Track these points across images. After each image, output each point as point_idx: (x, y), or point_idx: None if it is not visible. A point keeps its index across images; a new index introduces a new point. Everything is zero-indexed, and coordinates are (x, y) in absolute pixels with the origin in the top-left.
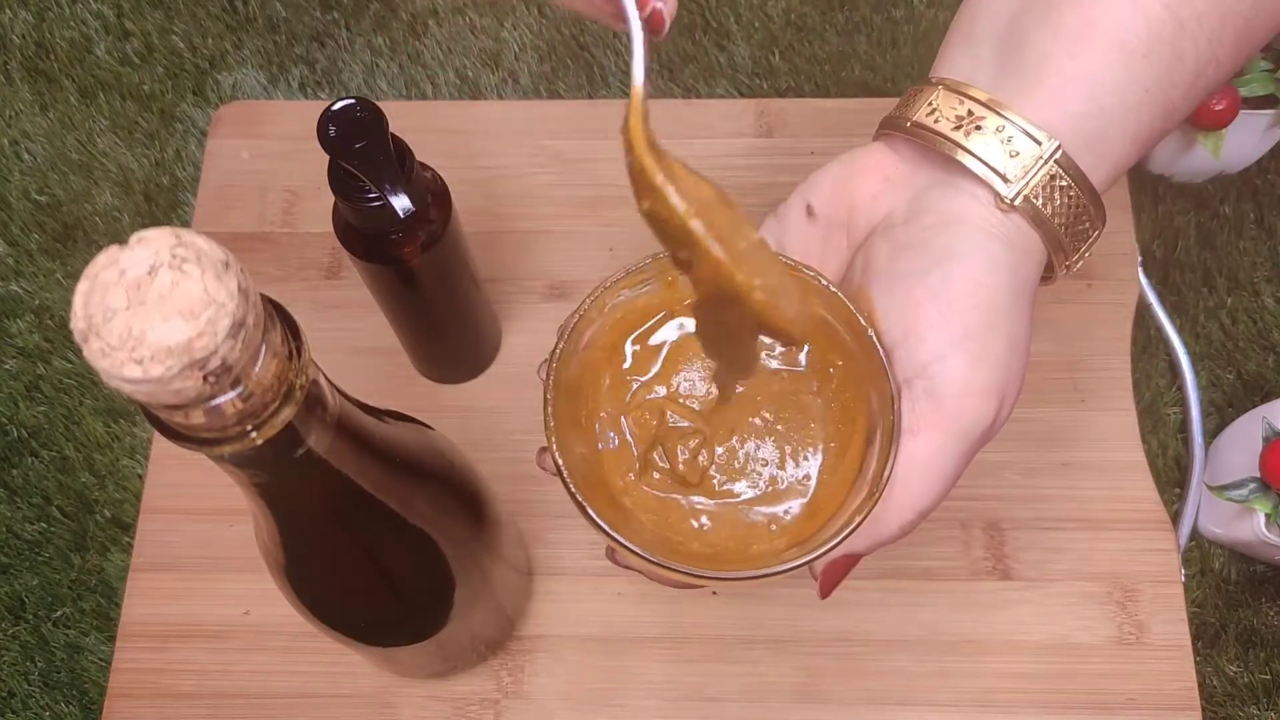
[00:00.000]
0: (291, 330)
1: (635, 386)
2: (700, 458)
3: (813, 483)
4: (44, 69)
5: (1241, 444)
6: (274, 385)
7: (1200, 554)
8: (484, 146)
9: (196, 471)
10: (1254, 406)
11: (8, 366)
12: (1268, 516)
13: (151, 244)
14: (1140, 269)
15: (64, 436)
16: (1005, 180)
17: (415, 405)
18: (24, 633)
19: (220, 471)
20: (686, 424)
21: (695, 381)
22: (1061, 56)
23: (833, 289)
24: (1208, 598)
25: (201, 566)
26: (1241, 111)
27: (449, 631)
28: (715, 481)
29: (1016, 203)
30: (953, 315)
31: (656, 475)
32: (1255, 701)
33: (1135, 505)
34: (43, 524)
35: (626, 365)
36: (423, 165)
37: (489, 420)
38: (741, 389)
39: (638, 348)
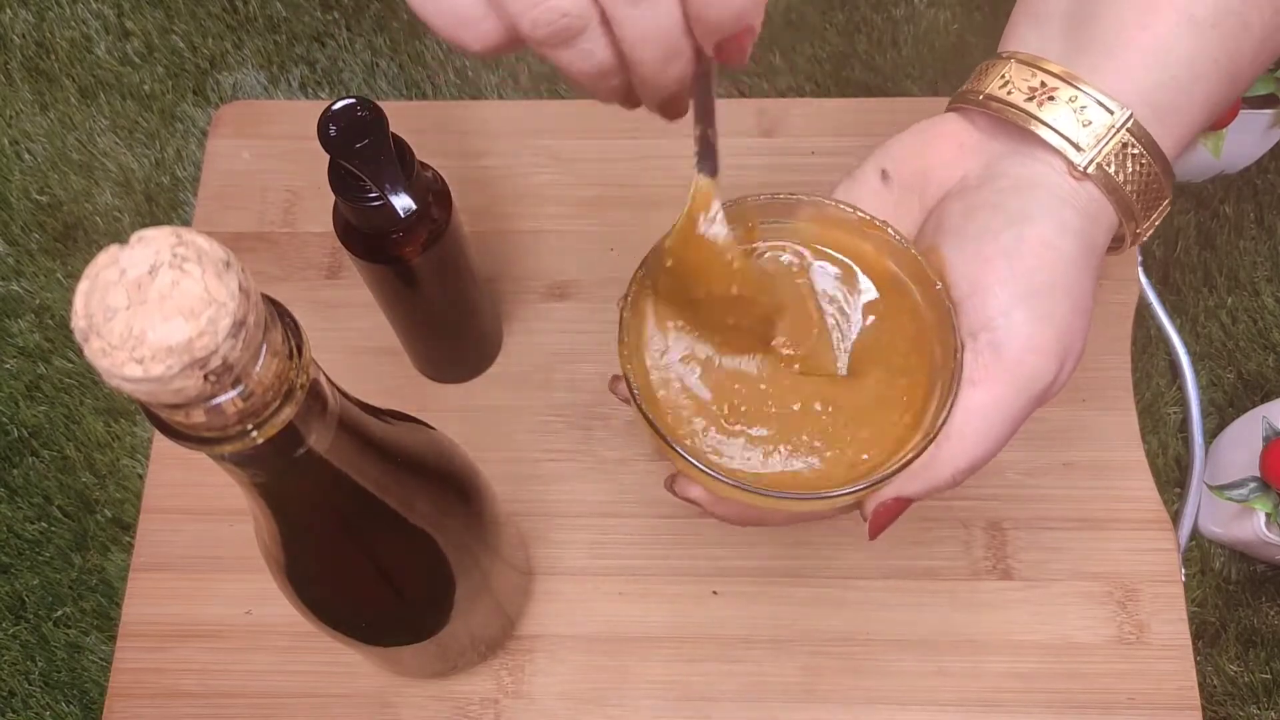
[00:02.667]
0: (292, 330)
1: (703, 323)
2: (767, 398)
3: (873, 425)
4: (44, 69)
5: (1241, 444)
6: (274, 385)
7: (1200, 554)
8: (484, 146)
9: (197, 471)
10: (1254, 406)
11: (8, 366)
12: (1268, 516)
13: (152, 243)
14: (1140, 269)
15: (64, 436)
16: (1078, 149)
17: (415, 405)
18: (24, 632)
19: (220, 471)
20: (756, 359)
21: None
22: (1132, 29)
23: (905, 243)
24: (1208, 597)
25: (201, 566)
26: (1241, 111)
27: (449, 631)
28: (779, 418)
29: (1089, 170)
30: (1022, 273)
31: (725, 409)
32: (1255, 701)
33: (1135, 505)
34: (43, 523)
35: (700, 300)
36: (423, 165)
37: (489, 420)
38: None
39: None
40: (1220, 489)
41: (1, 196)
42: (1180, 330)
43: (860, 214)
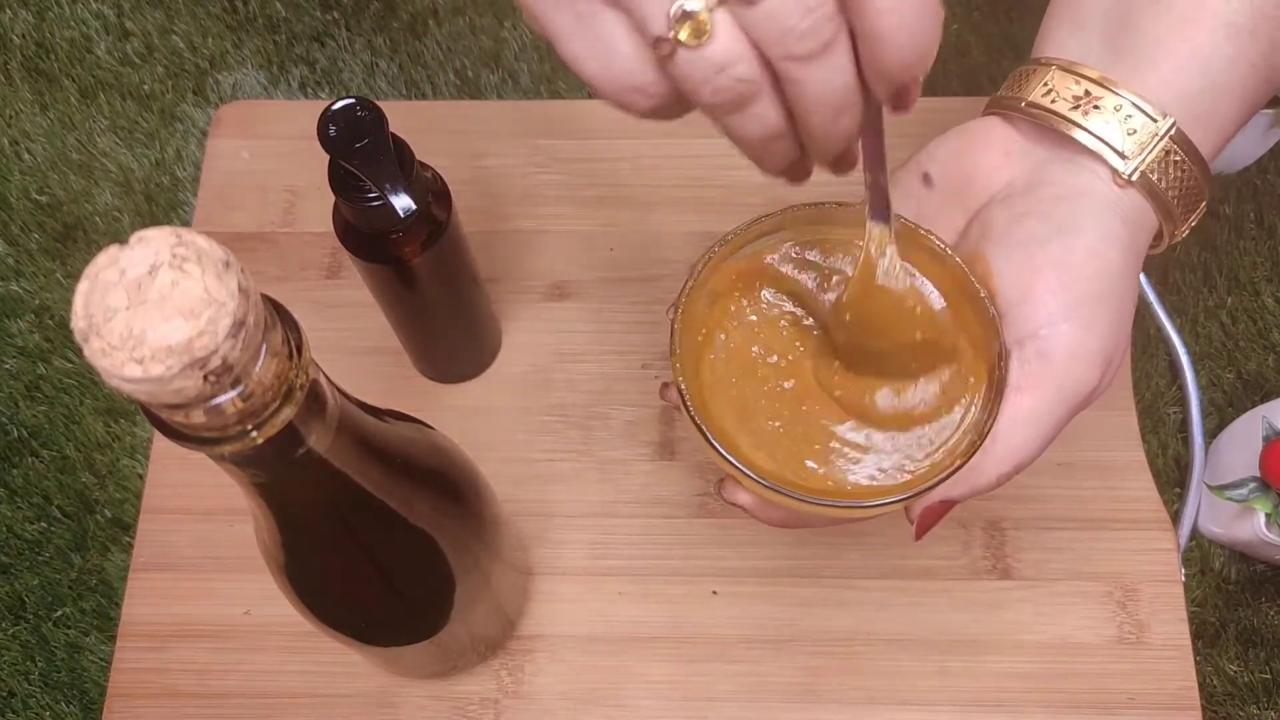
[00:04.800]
0: (292, 330)
1: (756, 334)
2: (815, 409)
3: (918, 432)
4: (44, 69)
5: (1241, 444)
6: (274, 385)
7: (1200, 554)
8: (484, 146)
9: (197, 471)
10: (1254, 406)
11: (8, 366)
12: (1268, 516)
13: (152, 243)
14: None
15: (64, 436)
16: (1123, 157)
17: (415, 405)
18: (24, 632)
19: (220, 471)
20: (792, 367)
21: (814, 330)
22: (1173, 38)
23: (949, 251)
24: (1208, 597)
25: (201, 566)
26: None
27: (449, 631)
28: (824, 425)
29: (1134, 179)
30: (1070, 282)
31: (774, 423)
32: (1255, 701)
33: (1135, 505)
34: (43, 524)
35: (751, 309)
36: (423, 165)
37: (489, 420)
38: (860, 346)
39: (766, 292)
40: (1220, 489)
41: (1, 196)
42: (1180, 330)
43: (905, 221)
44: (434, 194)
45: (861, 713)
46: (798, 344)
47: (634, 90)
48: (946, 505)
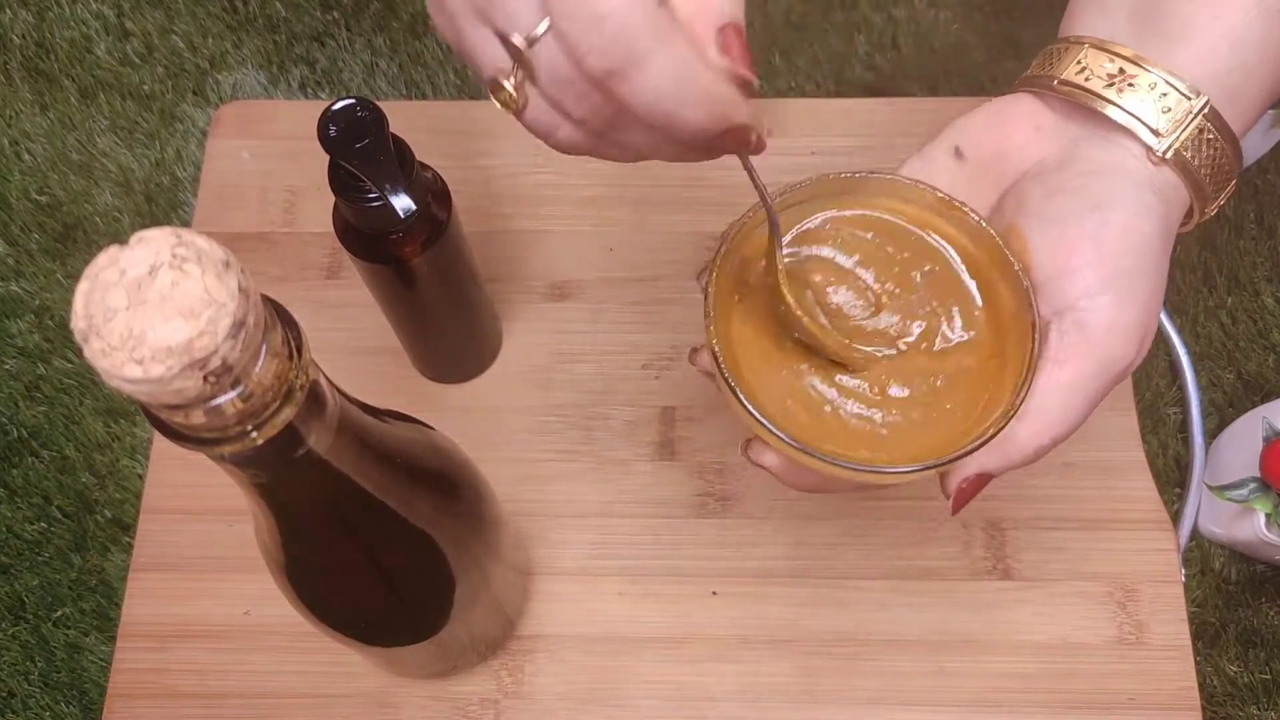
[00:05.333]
0: (292, 330)
1: (786, 305)
2: (841, 375)
3: (950, 403)
4: (44, 69)
5: (1241, 444)
6: (274, 385)
7: (1200, 554)
8: (484, 146)
9: (197, 471)
10: (1254, 406)
11: (8, 366)
12: (1268, 516)
13: (152, 244)
14: None
15: (64, 436)
16: (1157, 134)
17: (415, 405)
18: (24, 633)
19: (220, 471)
20: (828, 339)
21: (847, 299)
22: (1205, 17)
23: (984, 224)
24: (1208, 598)
25: (201, 566)
26: None
27: (449, 631)
28: (857, 395)
29: (1168, 156)
30: (1107, 256)
31: (810, 390)
32: (1255, 701)
33: (1135, 505)
34: (43, 524)
35: (782, 276)
36: (423, 165)
37: (489, 420)
38: (891, 317)
39: (793, 257)
40: (1220, 489)
41: (1, 196)
42: (1180, 330)
43: (939, 193)
44: (434, 194)
45: (861, 713)
46: (824, 312)
47: (543, 135)
48: (983, 479)
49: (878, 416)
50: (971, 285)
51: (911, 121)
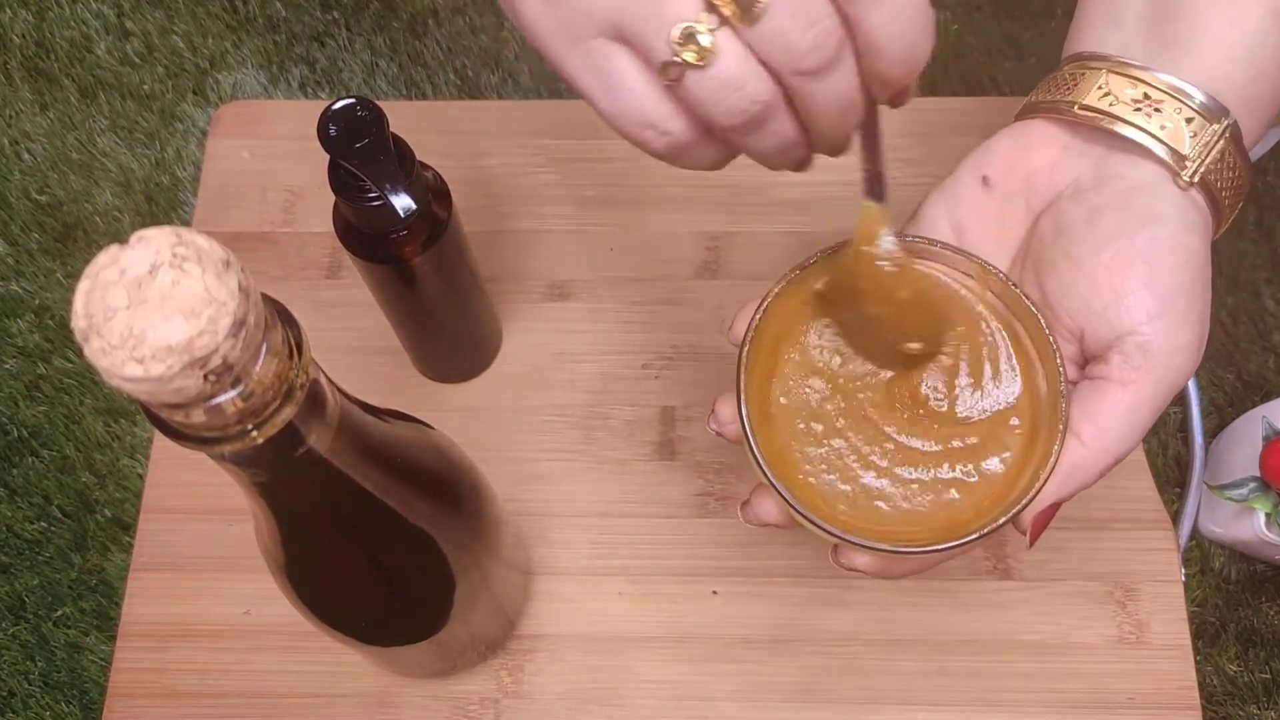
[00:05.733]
0: (292, 329)
1: (818, 373)
2: (875, 440)
3: (984, 462)
4: (44, 69)
5: (1241, 444)
6: (274, 384)
7: (1200, 553)
8: (484, 146)
9: (197, 471)
10: (1254, 406)
11: (8, 366)
12: (1268, 516)
13: (152, 243)
14: None
15: (64, 436)
16: (1183, 159)
17: (415, 405)
18: (24, 632)
19: (221, 471)
20: (864, 403)
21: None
22: (1219, 26)
23: (1005, 278)
24: (1208, 597)
25: (201, 566)
26: None
27: (449, 631)
28: (893, 460)
29: (1194, 180)
30: (1162, 275)
31: (848, 459)
32: (1255, 700)
33: (1135, 505)
34: (43, 523)
35: (811, 348)
36: (423, 165)
37: (489, 420)
38: (911, 373)
39: (818, 334)
40: (1220, 489)
41: (1, 196)
42: None
43: (954, 249)
44: (434, 194)
45: (861, 713)
46: (859, 393)
47: (646, 126)
48: (1055, 507)
49: (926, 484)
50: (1001, 343)
51: (911, 121)
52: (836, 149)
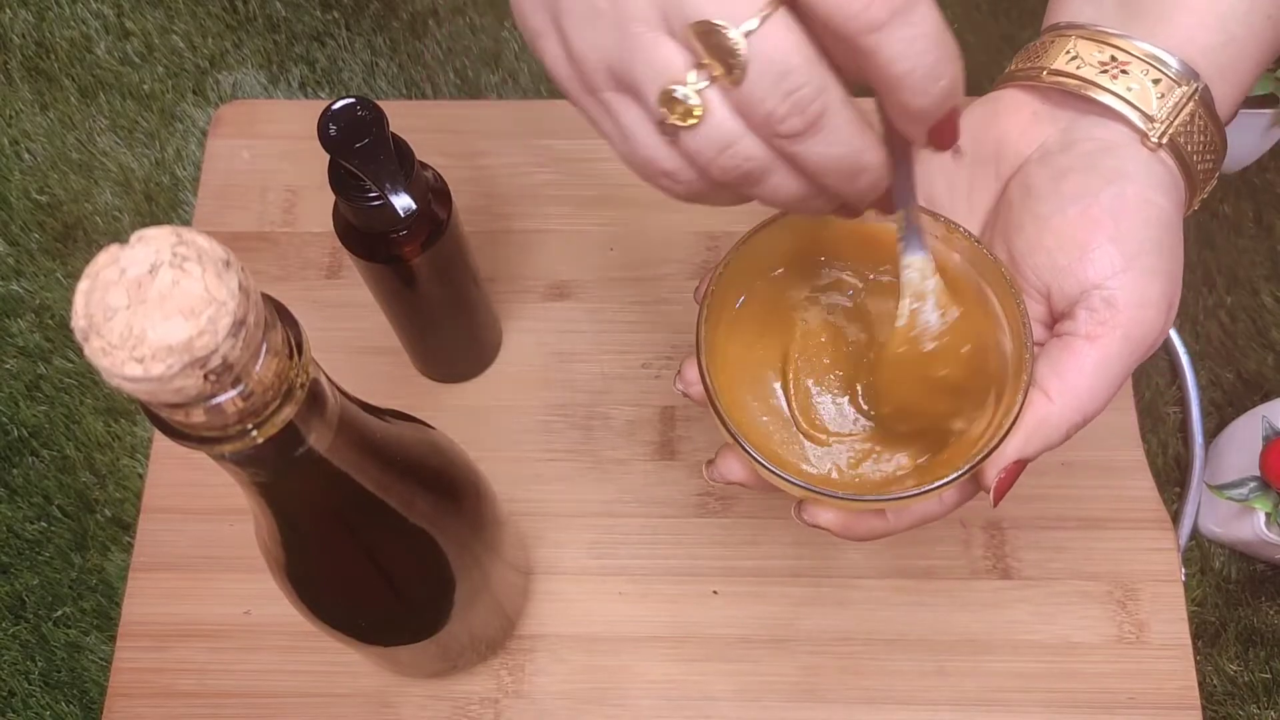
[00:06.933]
0: (292, 329)
1: (783, 320)
2: (836, 394)
3: (953, 416)
4: (44, 69)
5: (1241, 443)
6: (275, 384)
7: (1200, 553)
8: (484, 146)
9: (197, 471)
10: (1254, 406)
11: (8, 366)
12: (1268, 515)
13: (152, 242)
14: None
15: (64, 436)
16: (1151, 120)
17: (415, 405)
18: (24, 632)
19: (221, 471)
20: (827, 359)
21: (839, 317)
22: None
23: (970, 235)
24: (1208, 597)
25: (201, 566)
26: (1241, 111)
27: (449, 631)
28: (857, 411)
29: (1163, 141)
30: (1129, 230)
31: (814, 410)
32: (1255, 700)
33: (1135, 505)
34: (43, 523)
35: (777, 307)
36: (423, 165)
37: (489, 420)
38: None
39: (786, 287)
40: (1220, 489)
41: (1, 196)
42: (1180, 330)
43: (931, 213)
44: (434, 194)
45: (861, 713)
46: (827, 357)
47: (662, 175)
48: (1021, 465)
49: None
50: (982, 348)
51: None
52: (854, 209)
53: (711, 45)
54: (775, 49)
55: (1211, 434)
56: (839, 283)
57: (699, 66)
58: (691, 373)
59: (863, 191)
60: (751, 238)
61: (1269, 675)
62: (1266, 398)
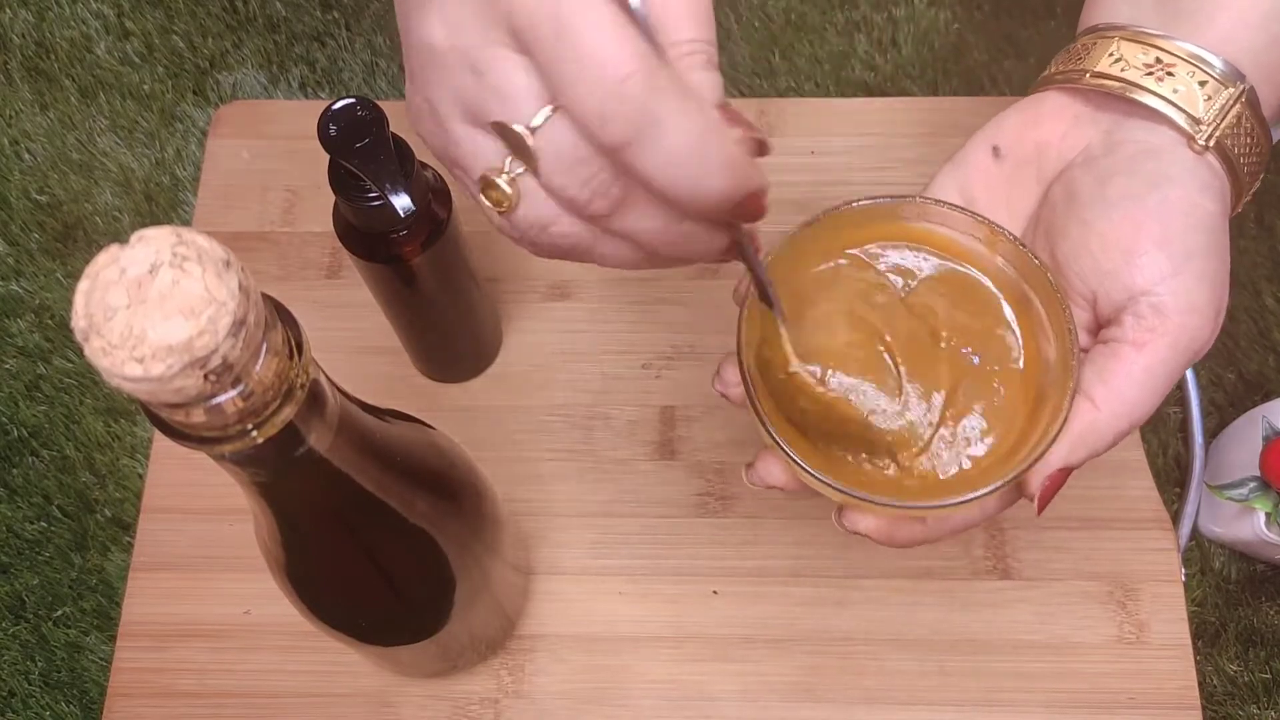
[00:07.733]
0: (292, 329)
1: (819, 329)
2: (879, 392)
3: (991, 418)
4: (44, 69)
5: (1241, 443)
6: (275, 384)
7: (1200, 553)
8: None
9: (197, 471)
10: (1254, 406)
11: (8, 366)
12: (1268, 516)
13: (152, 242)
14: None
15: (64, 436)
16: (1198, 123)
17: (415, 405)
18: (24, 632)
19: (221, 471)
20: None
21: (880, 315)
22: None
23: (1014, 239)
24: (1208, 597)
25: (201, 566)
26: None
27: (449, 631)
28: (903, 420)
29: (1210, 144)
30: (1175, 235)
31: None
32: (1255, 700)
33: (1135, 505)
34: (43, 523)
35: (814, 300)
36: (423, 164)
37: (489, 420)
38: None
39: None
40: (1220, 489)
41: (1, 196)
42: None
43: (966, 212)
44: (434, 194)
45: (861, 713)
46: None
47: (515, 242)
48: (1066, 473)
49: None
50: (1005, 306)
51: (911, 121)
52: (701, 262)
53: (508, 140)
54: (563, 141)
55: (1212, 434)
56: (881, 281)
57: (515, 155)
58: (731, 374)
59: (702, 255)
60: (793, 237)
61: (1269, 675)
62: (1267, 398)
